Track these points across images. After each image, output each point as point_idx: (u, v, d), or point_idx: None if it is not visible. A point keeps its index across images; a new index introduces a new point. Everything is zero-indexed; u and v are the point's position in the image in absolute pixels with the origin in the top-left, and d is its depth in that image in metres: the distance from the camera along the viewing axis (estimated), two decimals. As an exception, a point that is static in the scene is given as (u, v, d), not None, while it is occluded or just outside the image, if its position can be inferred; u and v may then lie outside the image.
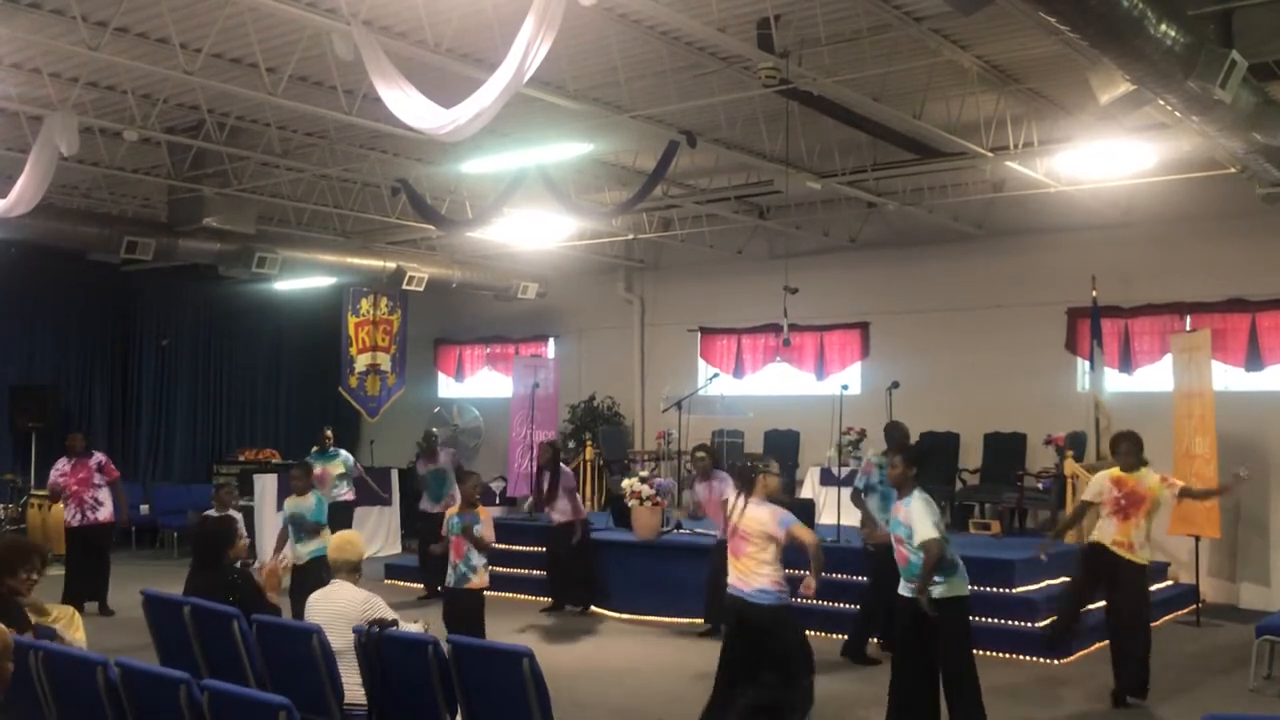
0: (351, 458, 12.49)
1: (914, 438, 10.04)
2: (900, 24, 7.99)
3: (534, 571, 11.58)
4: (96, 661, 4.94)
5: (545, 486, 11.17)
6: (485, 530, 8.22)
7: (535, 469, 11.50)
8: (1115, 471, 8.08)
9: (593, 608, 11.20)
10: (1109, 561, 7.91)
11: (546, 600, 11.34)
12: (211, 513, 9.00)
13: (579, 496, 11.62)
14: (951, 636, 6.62)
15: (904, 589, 6.70)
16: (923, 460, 6.97)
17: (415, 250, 15.99)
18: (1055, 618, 8.70)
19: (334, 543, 6.15)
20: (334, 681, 5.38)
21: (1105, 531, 7.98)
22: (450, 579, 8.33)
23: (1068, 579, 8.64)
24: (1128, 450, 8.01)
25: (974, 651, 6.83)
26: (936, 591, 6.50)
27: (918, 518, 6.51)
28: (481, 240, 15.00)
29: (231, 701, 4.46)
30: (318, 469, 11.55)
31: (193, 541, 6.82)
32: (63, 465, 10.96)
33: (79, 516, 10.84)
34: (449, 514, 8.54)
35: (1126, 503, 7.90)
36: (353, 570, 5.97)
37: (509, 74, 6.17)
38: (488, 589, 8.45)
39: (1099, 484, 8.12)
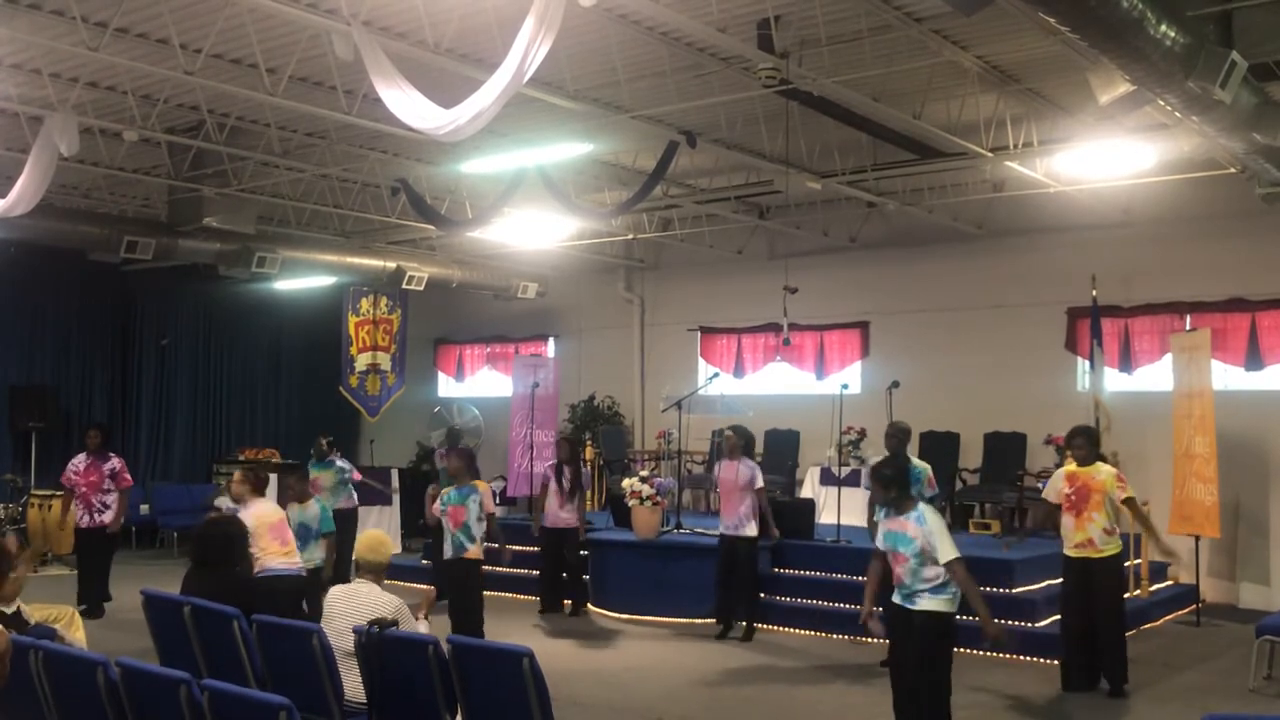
0: (347, 466, 12.14)
1: (914, 438, 10.03)
2: (900, 24, 7.99)
3: (533, 572, 11.53)
4: (96, 661, 4.94)
5: (567, 481, 10.99)
6: (486, 501, 8.54)
7: (555, 464, 11.25)
8: (1070, 467, 8.18)
9: (590, 607, 11.21)
10: (1082, 571, 8.02)
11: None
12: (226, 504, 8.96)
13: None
14: (937, 650, 6.28)
15: (896, 594, 6.39)
16: (901, 478, 6.43)
17: (415, 250, 16.00)
18: (1063, 668, 8.36)
19: (365, 542, 6.13)
20: (334, 681, 5.38)
21: (1067, 537, 8.09)
22: (448, 550, 8.59)
23: (1061, 619, 8.49)
24: (1081, 444, 8.10)
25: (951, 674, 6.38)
26: (932, 602, 6.18)
27: (938, 534, 6.15)
28: (481, 240, 15.01)
29: (232, 701, 4.46)
30: (312, 475, 11.52)
31: (196, 540, 6.74)
32: (79, 463, 10.95)
33: (86, 518, 10.87)
34: (443, 493, 8.79)
35: (1076, 498, 7.99)
36: (380, 572, 6.00)
37: (509, 74, 6.17)
38: (485, 563, 8.82)
39: (1055, 482, 8.23)
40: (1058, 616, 8.89)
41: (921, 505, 6.36)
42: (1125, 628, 8.30)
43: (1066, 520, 8.06)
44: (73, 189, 13.15)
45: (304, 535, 8.94)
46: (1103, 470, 8.06)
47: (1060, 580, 8.55)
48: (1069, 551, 8.11)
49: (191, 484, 16.63)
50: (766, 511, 9.99)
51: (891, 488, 6.33)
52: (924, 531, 6.17)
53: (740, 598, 10.05)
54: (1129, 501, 8.25)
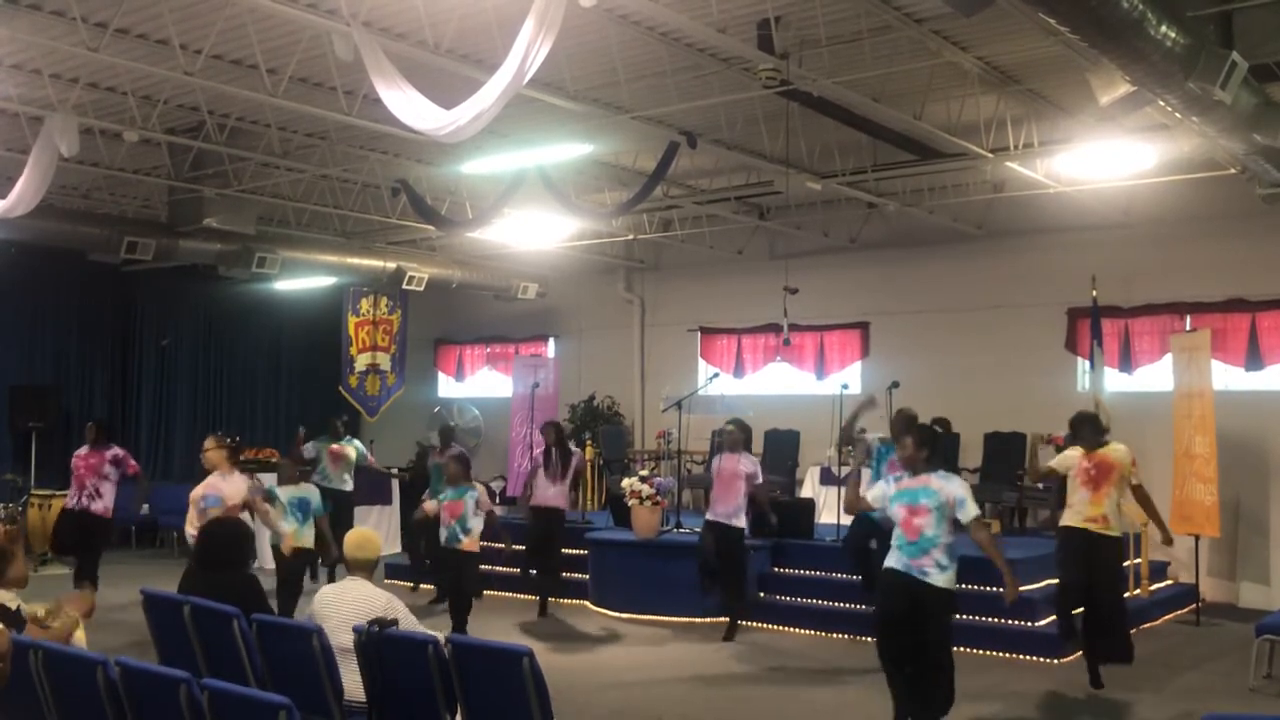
0: (363, 447, 12.75)
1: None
2: (900, 25, 7.99)
3: (531, 571, 11.49)
4: (96, 661, 4.94)
5: (555, 460, 10.92)
6: (482, 499, 8.84)
7: (544, 448, 11.21)
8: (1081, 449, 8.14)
9: (590, 606, 11.22)
10: (1086, 541, 7.93)
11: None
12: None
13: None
14: (947, 626, 6.59)
15: (897, 562, 6.46)
16: (935, 441, 6.74)
17: (415, 250, 16.00)
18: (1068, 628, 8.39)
19: (353, 540, 6.08)
20: (334, 681, 5.38)
21: (1077, 509, 7.98)
22: (443, 536, 8.84)
23: (1060, 580, 8.44)
24: (1090, 432, 8.06)
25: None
26: (945, 579, 6.40)
27: (964, 490, 6.42)
28: (481, 240, 15.01)
29: (232, 701, 4.45)
30: (335, 447, 12.15)
31: (199, 540, 6.69)
32: (81, 451, 10.98)
33: (76, 500, 10.85)
34: (434, 503, 9.02)
35: (1097, 472, 7.93)
36: (369, 569, 5.98)
37: (509, 75, 6.17)
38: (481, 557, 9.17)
39: (1069, 456, 8.14)
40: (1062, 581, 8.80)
41: (943, 469, 6.60)
42: (1124, 602, 8.32)
43: (1082, 493, 7.95)
44: (73, 189, 13.15)
45: (305, 509, 9.08)
46: (1118, 449, 8.03)
47: (1056, 566, 8.45)
48: (1075, 522, 7.97)
49: (191, 484, 16.61)
50: (765, 504, 10.00)
51: (924, 448, 6.54)
52: (948, 486, 6.41)
53: (728, 592, 10.01)
54: (1139, 489, 8.26)
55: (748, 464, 9.89)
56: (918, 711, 6.55)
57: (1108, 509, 7.90)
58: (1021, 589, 9.51)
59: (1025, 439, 12.88)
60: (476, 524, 8.68)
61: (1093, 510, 7.92)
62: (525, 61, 6.05)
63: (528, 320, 17.88)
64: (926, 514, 6.37)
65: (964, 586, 7.64)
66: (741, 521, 9.86)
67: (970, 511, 6.36)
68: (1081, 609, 8.10)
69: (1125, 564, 9.00)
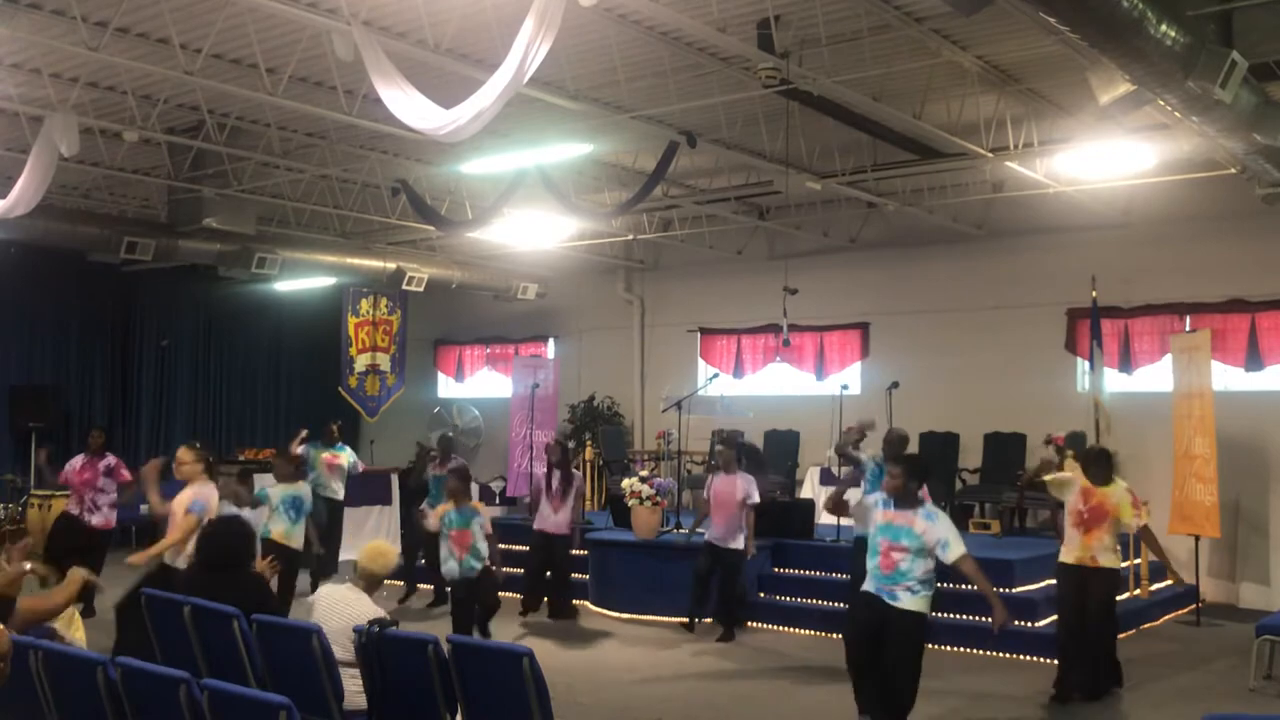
0: (354, 455, 12.65)
1: (914, 438, 10.02)
2: (900, 24, 7.99)
3: (538, 596, 11.40)
4: (96, 661, 4.94)
5: (556, 484, 10.85)
6: (486, 525, 8.79)
7: (546, 468, 11.16)
8: (1086, 482, 8.03)
9: (590, 606, 11.21)
10: (1079, 579, 7.87)
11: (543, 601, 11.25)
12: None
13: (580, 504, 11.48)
14: (916, 649, 6.54)
15: (871, 586, 6.52)
16: (925, 475, 6.76)
17: (415, 251, 16.00)
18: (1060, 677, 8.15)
19: (368, 551, 6.07)
20: (334, 682, 5.37)
21: (1070, 548, 7.94)
22: (456, 572, 8.74)
23: (1057, 618, 8.36)
24: (1098, 471, 7.95)
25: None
26: (913, 602, 6.41)
27: (950, 532, 6.44)
28: (481, 240, 15.01)
29: (231, 701, 4.45)
30: (327, 455, 12.07)
31: (205, 541, 6.66)
32: (76, 462, 10.92)
33: (77, 510, 10.82)
34: (444, 514, 8.90)
35: (1089, 516, 7.85)
36: (375, 583, 5.96)
37: (509, 74, 6.17)
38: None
39: (1069, 486, 8.02)
40: (1057, 617, 8.85)
41: (929, 503, 6.60)
42: (1114, 632, 8.18)
43: (1073, 533, 7.91)
44: (73, 189, 13.15)
45: (297, 507, 9.08)
46: (1118, 491, 7.90)
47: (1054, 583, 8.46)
48: (1069, 559, 7.95)
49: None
50: (750, 528, 9.95)
51: (914, 480, 6.56)
52: (933, 528, 6.42)
53: (720, 606, 10.03)
54: (1144, 531, 8.22)
55: (744, 485, 9.88)
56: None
57: (1096, 550, 7.83)
58: (1021, 589, 9.68)
59: (1025, 439, 12.88)
60: (485, 548, 8.72)
61: (1081, 552, 7.88)
62: (525, 61, 6.05)
63: (527, 320, 17.88)
64: (905, 553, 6.42)
65: (963, 587, 7.67)
66: (739, 543, 9.86)
67: (955, 552, 6.41)
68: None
69: (1121, 596, 8.90)
